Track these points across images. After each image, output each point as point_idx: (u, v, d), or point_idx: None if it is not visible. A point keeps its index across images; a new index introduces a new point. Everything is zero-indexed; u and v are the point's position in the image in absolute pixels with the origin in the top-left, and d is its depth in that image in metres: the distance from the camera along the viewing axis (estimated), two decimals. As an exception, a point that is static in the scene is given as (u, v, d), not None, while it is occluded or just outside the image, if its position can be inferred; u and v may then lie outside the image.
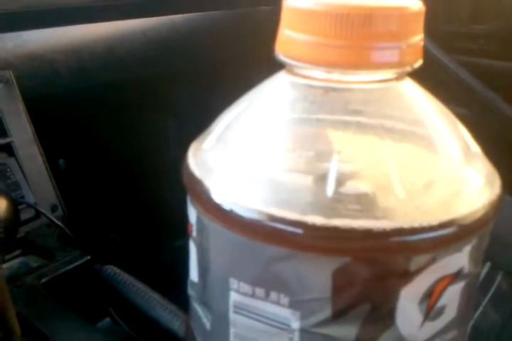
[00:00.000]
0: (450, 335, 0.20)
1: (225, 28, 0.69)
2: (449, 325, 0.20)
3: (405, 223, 0.17)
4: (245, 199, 0.19)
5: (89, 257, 0.47)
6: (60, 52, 0.56)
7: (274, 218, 0.18)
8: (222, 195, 0.19)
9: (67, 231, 0.49)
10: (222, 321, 0.20)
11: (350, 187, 0.18)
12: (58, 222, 0.49)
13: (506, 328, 0.48)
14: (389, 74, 0.19)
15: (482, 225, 0.19)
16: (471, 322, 0.47)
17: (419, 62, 0.20)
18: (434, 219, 0.18)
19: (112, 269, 0.46)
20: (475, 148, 0.21)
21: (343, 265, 0.17)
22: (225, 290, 0.19)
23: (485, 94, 0.65)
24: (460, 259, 0.19)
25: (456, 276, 0.19)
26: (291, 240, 0.18)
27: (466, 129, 0.22)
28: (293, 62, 0.20)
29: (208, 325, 0.21)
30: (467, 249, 0.19)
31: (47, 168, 0.52)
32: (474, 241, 0.19)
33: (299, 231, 0.17)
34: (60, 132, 0.57)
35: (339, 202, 0.18)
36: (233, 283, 0.19)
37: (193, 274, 0.22)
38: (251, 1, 0.72)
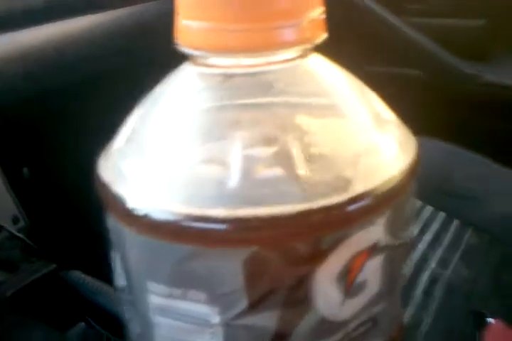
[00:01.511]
0: (378, 308, 0.20)
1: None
2: (374, 299, 0.20)
3: (309, 204, 0.17)
4: (151, 199, 0.18)
5: (54, 265, 0.46)
6: (5, 59, 0.55)
7: (180, 216, 0.17)
8: (127, 197, 0.19)
9: (29, 242, 0.48)
10: (147, 323, 0.20)
11: (254, 172, 0.18)
12: (19, 234, 0.48)
13: (478, 283, 0.49)
14: (291, 53, 0.19)
15: (395, 196, 0.19)
16: (443, 280, 0.48)
17: (322, 37, 0.19)
18: (341, 196, 0.17)
19: (76, 274, 0.46)
20: (388, 115, 0.21)
21: (252, 255, 0.17)
22: (145, 293, 0.19)
23: (438, 54, 0.65)
24: (374, 233, 0.18)
25: (373, 250, 0.19)
26: (198, 237, 0.17)
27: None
28: (190, 51, 0.19)
29: (136, 328, 0.21)
30: (381, 222, 0.19)
31: (5, 179, 0.51)
32: (388, 212, 0.19)
33: (204, 226, 0.17)
34: (23, 141, 0.56)
35: (244, 190, 0.17)
36: (151, 285, 0.19)
37: (121, 278, 0.21)
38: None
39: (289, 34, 0.18)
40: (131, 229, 0.19)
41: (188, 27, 0.18)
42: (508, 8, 0.66)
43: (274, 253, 0.17)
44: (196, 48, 0.19)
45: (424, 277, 0.48)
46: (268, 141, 0.18)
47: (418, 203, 0.57)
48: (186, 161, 0.18)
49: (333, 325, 0.19)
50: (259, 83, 0.19)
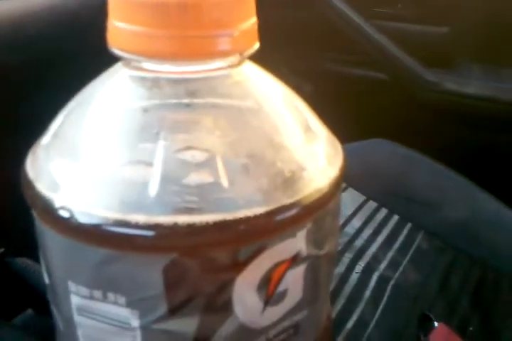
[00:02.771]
0: (300, 316, 0.20)
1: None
2: (296, 307, 0.20)
3: (229, 214, 0.17)
4: (74, 201, 0.18)
5: (1, 250, 0.45)
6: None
7: (100, 220, 0.18)
8: (52, 198, 0.19)
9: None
10: (70, 323, 0.20)
11: (177, 178, 0.18)
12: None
13: (425, 286, 0.50)
14: (220, 62, 0.19)
15: (317, 209, 0.19)
16: (392, 282, 0.49)
17: (254, 48, 0.20)
18: (262, 208, 0.18)
19: (23, 261, 0.46)
20: (318, 127, 0.21)
21: (171, 262, 0.17)
22: (67, 293, 0.19)
23: (401, 58, 0.66)
24: (294, 244, 0.19)
25: (294, 261, 0.19)
26: (118, 241, 0.18)
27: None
28: (120, 53, 0.19)
29: (61, 326, 0.21)
30: (301, 234, 0.19)
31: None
32: (309, 225, 0.19)
33: (124, 231, 0.17)
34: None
35: (166, 197, 0.18)
36: (72, 286, 0.19)
37: (45, 276, 0.21)
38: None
39: (219, 44, 0.18)
40: (53, 229, 0.19)
41: (118, 29, 0.18)
42: (472, 18, 0.67)
43: (193, 261, 0.18)
44: (125, 51, 0.19)
45: (374, 278, 0.49)
46: (193, 148, 0.18)
47: (373, 205, 0.58)
48: (110, 163, 0.19)
49: (253, 332, 0.19)
50: (188, 90, 0.19)
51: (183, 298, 0.18)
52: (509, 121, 0.62)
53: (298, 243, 0.19)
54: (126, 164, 0.19)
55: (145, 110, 0.20)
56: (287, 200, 0.18)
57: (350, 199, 0.58)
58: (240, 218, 0.17)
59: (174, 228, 0.17)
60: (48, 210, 0.19)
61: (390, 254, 0.52)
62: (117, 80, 0.20)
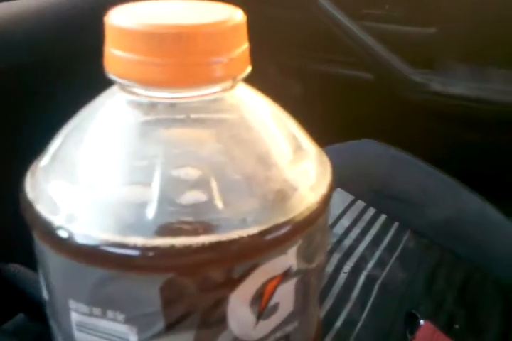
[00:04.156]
0: (290, 327, 0.22)
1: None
2: (287, 319, 0.21)
3: (223, 235, 0.18)
4: (73, 223, 0.19)
5: None
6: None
7: (100, 242, 0.19)
8: (51, 219, 0.20)
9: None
10: (69, 338, 0.21)
11: (173, 201, 0.19)
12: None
13: (412, 285, 0.51)
14: (213, 88, 0.20)
15: (307, 226, 0.20)
16: (379, 281, 0.50)
17: (246, 72, 0.21)
18: (253, 228, 0.19)
19: (15, 267, 0.47)
20: (308, 146, 0.22)
21: (168, 281, 0.19)
22: (67, 309, 0.20)
23: (388, 59, 0.67)
24: (285, 260, 0.20)
25: (285, 276, 0.20)
26: (116, 262, 0.19)
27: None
28: (118, 80, 0.20)
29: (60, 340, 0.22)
30: (292, 250, 0.20)
31: None
32: (300, 241, 0.20)
33: (122, 252, 0.18)
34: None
35: (162, 219, 0.19)
36: (72, 303, 0.20)
37: (44, 293, 0.22)
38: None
39: (213, 71, 0.19)
40: (52, 249, 0.20)
41: (115, 56, 0.19)
42: (458, 19, 0.68)
43: (189, 280, 0.19)
44: (122, 78, 0.20)
45: (362, 277, 0.50)
46: (187, 166, 0.19)
47: (362, 204, 0.60)
48: (108, 185, 0.20)
49: (247, 344, 0.21)
50: (182, 113, 0.20)
51: (179, 314, 0.19)
52: (495, 121, 0.63)
53: (289, 259, 0.20)
54: (123, 185, 0.20)
55: (141, 130, 0.20)
56: (279, 219, 0.19)
57: (339, 199, 0.59)
58: (234, 239, 0.19)
59: (171, 249, 0.18)
60: (47, 231, 0.20)
61: (378, 253, 0.53)
62: (114, 103, 0.21)
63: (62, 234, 0.19)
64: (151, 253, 0.18)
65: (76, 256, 0.19)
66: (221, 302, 0.19)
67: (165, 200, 0.19)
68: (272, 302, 0.21)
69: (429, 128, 0.68)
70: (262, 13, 0.70)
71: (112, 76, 0.20)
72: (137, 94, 0.20)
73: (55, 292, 0.21)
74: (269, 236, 0.19)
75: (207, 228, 0.19)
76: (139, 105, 0.20)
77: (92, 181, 0.20)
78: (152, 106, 0.20)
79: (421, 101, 0.68)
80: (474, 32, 0.67)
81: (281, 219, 0.19)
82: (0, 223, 0.53)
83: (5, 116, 0.49)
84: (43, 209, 0.20)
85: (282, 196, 0.20)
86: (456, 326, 0.48)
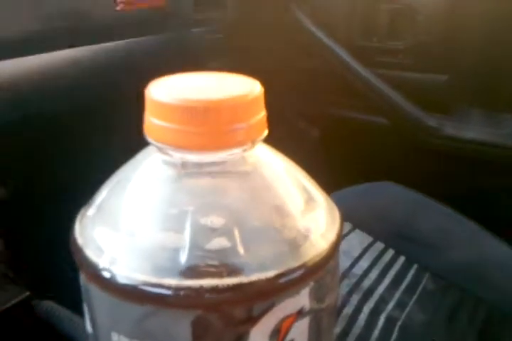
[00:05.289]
0: (305, 361, 0.25)
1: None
2: (301, 354, 0.24)
3: (245, 278, 0.22)
4: (116, 265, 0.23)
5: (28, 293, 0.50)
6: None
7: (139, 283, 0.22)
8: (97, 261, 0.23)
9: (4, 269, 0.52)
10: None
11: (202, 249, 0.23)
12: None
13: (431, 326, 0.53)
14: (237, 149, 0.24)
15: (319, 269, 0.24)
16: (399, 323, 0.52)
17: (263, 135, 0.25)
18: (270, 272, 0.22)
19: (49, 305, 0.50)
20: (318, 197, 0.26)
21: (198, 317, 0.22)
22: (109, 342, 0.24)
23: (402, 104, 0.71)
24: (299, 300, 0.23)
25: (299, 314, 0.24)
26: (153, 300, 0.22)
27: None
28: (155, 144, 0.24)
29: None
30: (305, 292, 0.24)
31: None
32: (312, 283, 0.24)
33: (158, 291, 0.22)
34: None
35: (193, 263, 0.22)
36: (114, 335, 0.24)
37: (88, 325, 0.26)
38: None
39: (235, 136, 0.23)
40: (97, 287, 0.23)
41: (153, 123, 0.24)
42: (469, 66, 0.72)
43: (215, 316, 0.22)
44: (159, 142, 0.24)
45: (382, 319, 0.52)
46: (214, 218, 0.23)
47: (381, 246, 0.62)
48: (145, 232, 0.23)
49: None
50: (209, 169, 0.24)
51: (207, 347, 0.23)
52: (508, 165, 0.66)
53: (302, 299, 0.24)
54: (158, 232, 0.23)
55: (174, 184, 0.25)
56: (293, 264, 0.23)
57: (357, 240, 0.62)
58: (254, 281, 0.22)
59: (200, 290, 0.22)
60: (94, 272, 0.23)
61: (397, 295, 0.55)
62: (150, 162, 0.25)
63: (106, 274, 0.23)
64: (182, 293, 0.22)
65: (118, 294, 0.23)
66: (243, 337, 0.23)
67: (194, 246, 0.23)
68: (289, 338, 0.24)
69: (444, 171, 0.71)
70: (279, 59, 0.75)
71: (149, 139, 0.24)
72: (171, 155, 0.24)
73: (99, 325, 0.25)
74: (284, 279, 0.23)
75: (230, 271, 0.22)
76: (172, 164, 0.25)
77: (131, 228, 0.24)
78: (183, 164, 0.24)
79: (435, 145, 0.71)
80: (486, 78, 0.71)
81: (295, 264, 0.23)
82: (37, 263, 0.58)
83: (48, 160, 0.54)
84: (90, 253, 0.24)
85: (296, 243, 0.24)
86: (477, 368, 0.49)
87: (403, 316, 0.54)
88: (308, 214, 0.25)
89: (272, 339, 0.23)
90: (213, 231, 0.23)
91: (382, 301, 0.55)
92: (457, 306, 0.56)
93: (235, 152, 0.24)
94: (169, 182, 0.25)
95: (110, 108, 0.62)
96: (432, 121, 0.72)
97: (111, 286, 0.23)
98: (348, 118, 0.77)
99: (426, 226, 0.63)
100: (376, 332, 0.51)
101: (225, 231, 0.23)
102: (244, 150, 0.24)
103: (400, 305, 0.55)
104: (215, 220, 0.23)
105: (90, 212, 0.26)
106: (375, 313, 0.53)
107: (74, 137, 0.62)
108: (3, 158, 0.58)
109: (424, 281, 0.58)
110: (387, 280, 0.58)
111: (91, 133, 0.63)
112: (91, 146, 0.65)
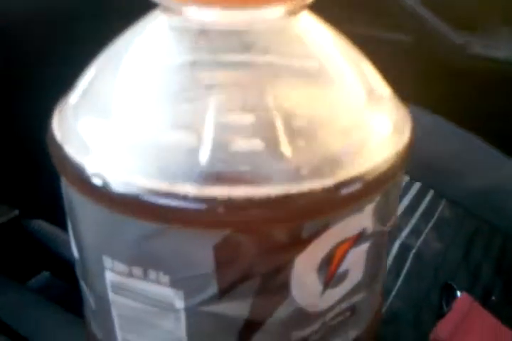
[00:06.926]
0: (358, 297, 0.18)
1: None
2: (355, 289, 0.18)
3: (292, 187, 0.15)
4: (109, 168, 0.15)
5: (16, 212, 0.43)
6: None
7: (142, 190, 0.15)
8: (83, 163, 0.16)
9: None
10: (103, 301, 0.18)
11: (230, 144, 0.15)
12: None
13: (447, 255, 0.48)
14: (277, 10, 0.16)
15: (386, 180, 0.16)
16: (414, 250, 0.47)
17: None
18: (328, 179, 0.15)
19: (39, 223, 0.44)
20: (383, 90, 0.18)
21: (224, 238, 0.15)
22: (101, 268, 0.17)
23: (428, 19, 0.61)
24: (361, 220, 0.16)
25: (359, 238, 0.16)
26: (162, 214, 0.15)
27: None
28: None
29: (92, 304, 0.19)
30: (369, 208, 0.16)
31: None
32: (378, 198, 0.16)
33: (170, 203, 0.14)
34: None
35: (218, 165, 0.15)
36: (107, 261, 0.16)
37: (74, 249, 0.19)
38: None
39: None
40: (86, 198, 0.16)
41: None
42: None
43: (249, 239, 0.15)
44: None
45: (396, 246, 0.47)
46: (248, 109, 0.15)
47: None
48: (151, 126, 0.16)
49: (311, 316, 0.17)
50: (239, 42, 0.16)
51: (235, 279, 0.15)
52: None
53: (365, 219, 0.16)
54: (170, 127, 0.16)
55: (189, 64, 0.16)
56: (358, 171, 0.15)
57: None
58: (304, 191, 0.15)
59: (229, 201, 0.14)
60: (80, 177, 0.16)
61: (412, 222, 0.49)
62: (156, 30, 0.17)
63: (96, 180, 0.15)
64: (204, 205, 0.14)
65: (113, 206, 0.15)
66: (285, 267, 0.16)
67: (221, 145, 0.15)
68: (342, 269, 0.17)
69: (467, 92, 0.63)
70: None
71: None
72: (185, 18, 0.16)
73: (88, 249, 0.17)
74: (345, 191, 0.15)
75: (272, 178, 0.15)
76: (187, 32, 0.16)
77: (132, 120, 0.16)
78: (203, 33, 0.16)
79: (460, 64, 0.63)
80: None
81: (359, 171, 0.15)
82: (25, 178, 0.50)
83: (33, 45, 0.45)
84: (73, 151, 0.16)
85: (359, 144, 0.16)
86: (493, 298, 0.44)
87: (418, 243, 0.48)
88: (372, 110, 0.17)
89: (322, 271, 0.16)
90: (246, 129, 0.15)
91: (398, 228, 0.49)
92: (474, 234, 0.50)
93: (275, 14, 0.16)
94: (185, 59, 0.16)
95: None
96: (459, 38, 0.63)
97: (102, 195, 0.15)
98: (371, 37, 0.67)
99: (443, 151, 0.56)
100: (390, 259, 0.46)
101: (262, 130, 0.15)
102: (289, 14, 0.16)
103: (415, 232, 0.49)
104: (246, 116, 0.15)
105: (73, 99, 0.18)
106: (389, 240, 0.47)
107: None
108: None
109: (440, 208, 0.52)
110: (401, 207, 0.52)
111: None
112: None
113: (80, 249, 0.18)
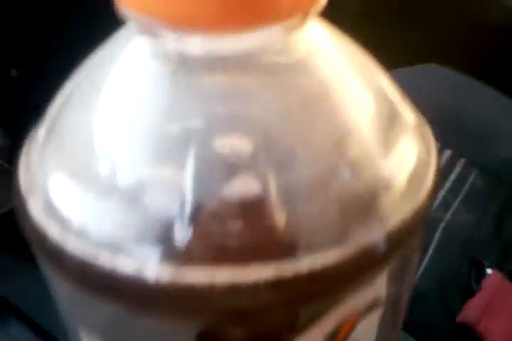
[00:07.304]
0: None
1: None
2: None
3: (286, 269, 0.12)
4: (70, 232, 0.13)
5: None
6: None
7: (108, 267, 0.12)
8: (45, 224, 0.13)
9: (6, 166, 0.43)
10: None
11: (212, 214, 0.12)
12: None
13: (479, 229, 0.45)
14: (275, 28, 0.12)
15: (406, 241, 0.13)
16: (442, 224, 0.44)
17: (319, 4, 0.12)
18: (333, 253, 0.12)
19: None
20: (408, 117, 0.14)
21: (202, 329, 0.12)
22: (77, 336, 0.14)
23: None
24: (372, 291, 0.13)
25: (369, 309, 0.14)
26: (131, 297, 0.12)
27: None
28: (136, 19, 0.12)
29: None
30: (382, 277, 0.13)
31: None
32: (395, 262, 0.13)
33: (139, 286, 0.12)
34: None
35: (197, 241, 0.12)
36: (83, 331, 0.14)
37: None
38: None
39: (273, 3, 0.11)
40: (48, 265, 0.13)
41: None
42: None
43: (233, 330, 0.12)
44: (140, 14, 0.12)
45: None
46: (234, 166, 0.12)
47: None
48: (118, 187, 0.13)
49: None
50: (227, 73, 0.12)
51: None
52: None
53: (377, 288, 0.13)
54: (141, 189, 0.12)
55: (166, 105, 0.13)
56: (370, 235, 0.12)
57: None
58: (302, 274, 0.12)
59: (208, 288, 0.11)
60: (42, 243, 0.13)
61: (441, 194, 0.46)
62: (132, 55, 0.13)
63: (54, 245, 0.13)
64: (178, 290, 0.12)
65: (74, 280, 0.13)
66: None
67: (199, 213, 0.12)
68: None
69: (501, 51, 0.57)
70: None
71: (125, 11, 0.12)
72: (162, 40, 0.12)
73: (64, 314, 0.15)
74: (354, 263, 0.12)
75: (262, 255, 0.12)
76: (166, 60, 0.13)
77: (96, 179, 0.13)
78: (183, 62, 0.12)
79: (494, 20, 0.56)
80: None
81: (372, 237, 0.12)
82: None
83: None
84: (36, 210, 0.14)
85: (373, 198, 0.13)
86: (526, 276, 0.42)
87: (447, 217, 0.45)
88: (393, 145, 0.14)
89: (325, 347, 0.14)
90: (228, 193, 0.12)
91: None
92: (507, 207, 0.47)
93: (273, 33, 0.12)
94: (158, 84, 0.13)
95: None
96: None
97: (67, 266, 0.13)
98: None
99: (475, 116, 0.51)
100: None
101: (249, 189, 0.12)
102: (289, 30, 0.12)
103: (444, 204, 0.46)
104: (233, 170, 0.12)
105: (40, 134, 0.15)
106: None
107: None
108: None
109: (471, 178, 0.49)
110: (430, 177, 0.48)
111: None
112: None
113: (58, 307, 0.16)
